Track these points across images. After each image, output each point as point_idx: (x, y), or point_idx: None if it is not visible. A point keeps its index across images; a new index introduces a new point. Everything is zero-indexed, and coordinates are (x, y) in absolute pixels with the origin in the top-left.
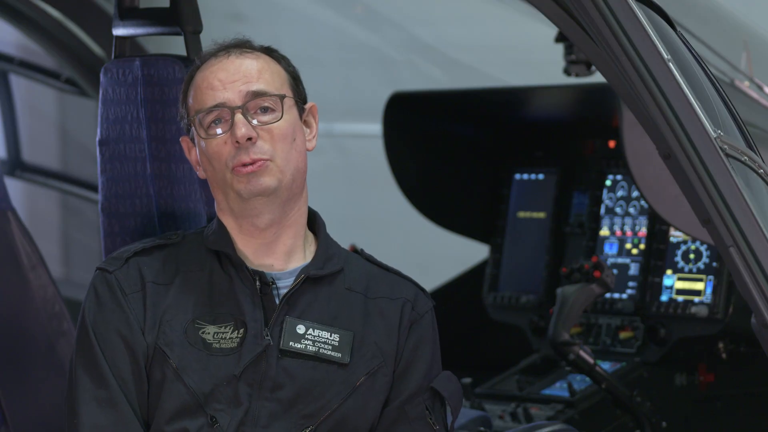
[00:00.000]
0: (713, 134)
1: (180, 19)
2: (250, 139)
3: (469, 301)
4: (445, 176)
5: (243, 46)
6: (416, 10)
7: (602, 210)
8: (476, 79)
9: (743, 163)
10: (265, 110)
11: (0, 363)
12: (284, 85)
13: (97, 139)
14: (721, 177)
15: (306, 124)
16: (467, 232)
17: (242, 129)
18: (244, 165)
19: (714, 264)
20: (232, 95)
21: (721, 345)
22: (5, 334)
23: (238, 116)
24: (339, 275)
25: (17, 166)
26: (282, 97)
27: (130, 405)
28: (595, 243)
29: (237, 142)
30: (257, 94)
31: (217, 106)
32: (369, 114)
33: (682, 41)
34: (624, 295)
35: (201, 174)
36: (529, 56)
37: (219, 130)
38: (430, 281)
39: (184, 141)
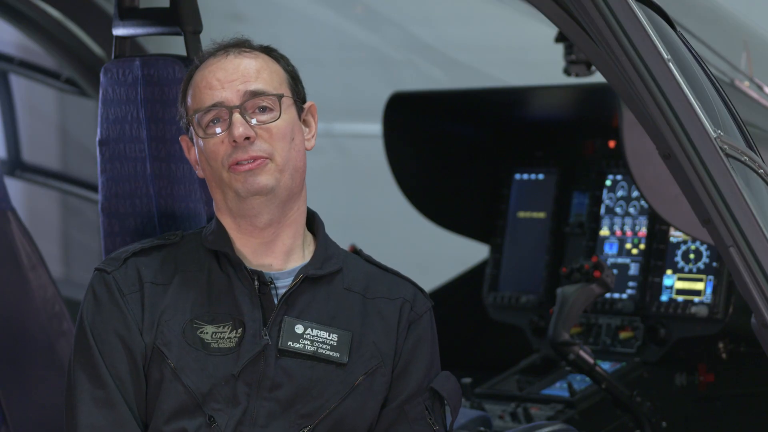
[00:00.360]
0: (713, 134)
1: (180, 19)
2: (248, 138)
3: (469, 301)
4: (445, 176)
5: (242, 45)
6: (416, 10)
7: (602, 210)
8: (476, 79)
9: (743, 163)
10: (264, 110)
11: (0, 363)
12: (283, 85)
13: (97, 139)
14: (721, 177)
15: (305, 123)
16: (467, 232)
17: (240, 128)
18: (239, 163)
19: (714, 264)
20: (230, 95)
21: (721, 345)
22: (5, 334)
23: (236, 116)
24: (338, 275)
25: (17, 166)
26: (280, 97)
27: (127, 405)
28: (595, 243)
29: (234, 141)
30: (255, 94)
31: (215, 105)
32: (369, 114)
33: (682, 41)
34: (624, 295)
35: (200, 173)
36: (529, 56)
37: (217, 130)
38: (430, 281)
39: (183, 140)
